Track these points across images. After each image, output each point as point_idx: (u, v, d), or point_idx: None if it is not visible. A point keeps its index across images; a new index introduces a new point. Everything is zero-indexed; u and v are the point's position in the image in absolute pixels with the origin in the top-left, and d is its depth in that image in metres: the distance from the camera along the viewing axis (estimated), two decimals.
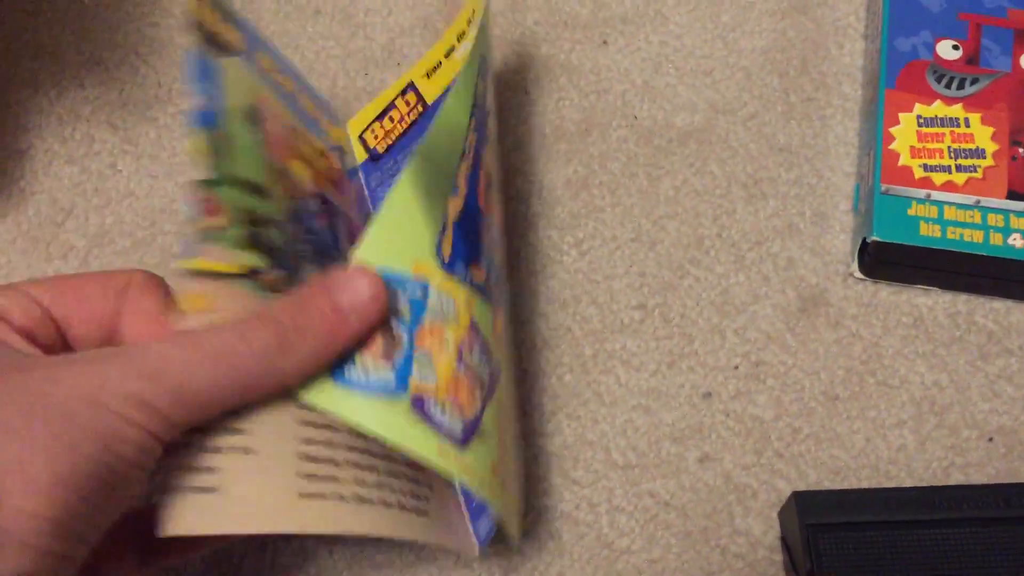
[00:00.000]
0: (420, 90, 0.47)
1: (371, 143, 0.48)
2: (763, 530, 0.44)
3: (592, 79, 0.54)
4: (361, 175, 0.47)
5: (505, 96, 0.53)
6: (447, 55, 0.46)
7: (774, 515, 0.44)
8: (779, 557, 0.43)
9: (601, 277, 0.49)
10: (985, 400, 0.46)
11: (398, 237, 0.35)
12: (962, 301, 0.48)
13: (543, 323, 0.48)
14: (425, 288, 0.35)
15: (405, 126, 0.47)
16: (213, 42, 0.39)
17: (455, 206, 0.38)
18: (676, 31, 0.55)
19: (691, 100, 0.53)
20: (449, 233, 0.37)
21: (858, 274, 0.48)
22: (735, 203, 0.51)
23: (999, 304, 0.47)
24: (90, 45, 0.55)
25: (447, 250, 0.36)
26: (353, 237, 0.42)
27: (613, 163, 0.52)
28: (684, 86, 0.53)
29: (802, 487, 0.44)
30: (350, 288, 0.32)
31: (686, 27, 0.55)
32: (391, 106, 0.47)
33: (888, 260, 0.46)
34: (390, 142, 0.47)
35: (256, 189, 0.37)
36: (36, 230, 0.51)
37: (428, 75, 0.47)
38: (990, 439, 0.45)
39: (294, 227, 0.38)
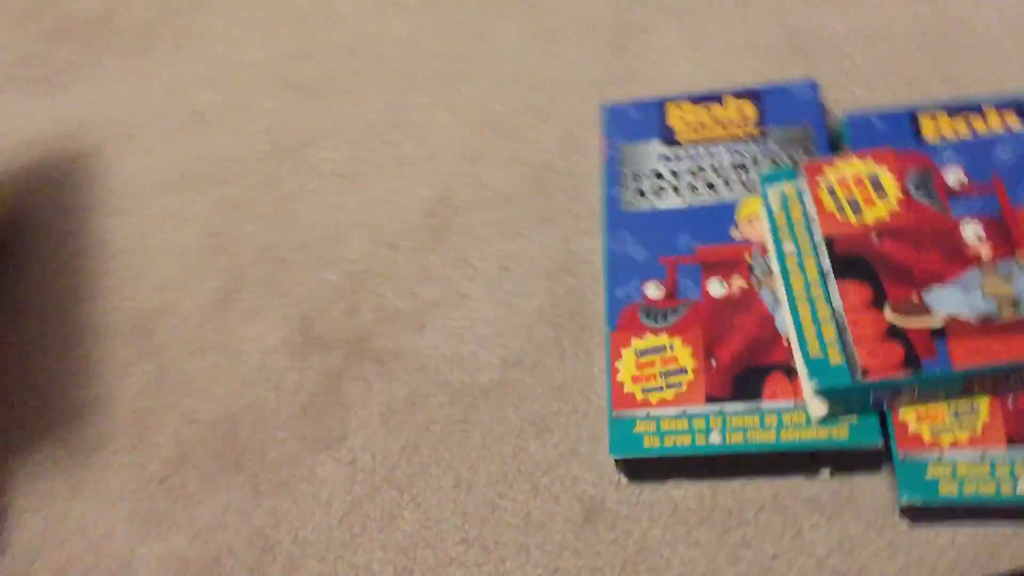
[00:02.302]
0: None
1: None
2: None
3: (414, 360, 0.68)
4: None
5: (352, 391, 0.68)
6: None
7: None
8: None
9: (432, 522, 0.62)
10: (730, 565, 0.57)
11: None
12: (706, 486, 0.59)
13: (389, 570, 0.61)
14: None
15: None
16: None
17: None
18: (475, 305, 0.69)
19: (489, 360, 0.67)
20: None
21: (624, 481, 0.60)
22: (528, 440, 0.64)
23: (736, 484, 0.59)
24: None
25: None
26: None
27: (435, 425, 0.66)
28: (484, 350, 0.68)
29: None
30: None
31: (481, 300, 0.70)
32: None
33: (638, 468, 0.59)
34: None
35: None
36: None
37: None
38: None
39: None
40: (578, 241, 0.70)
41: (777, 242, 0.60)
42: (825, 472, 0.57)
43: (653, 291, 0.62)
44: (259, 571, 0.63)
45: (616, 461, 0.59)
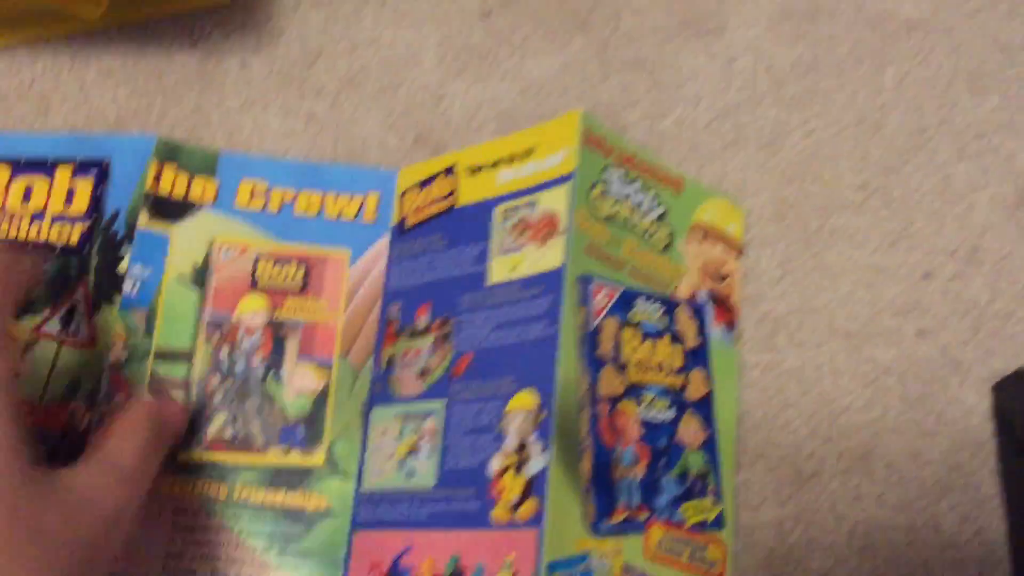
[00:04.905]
0: (456, 183, 0.47)
1: (406, 209, 0.48)
2: (976, 401, 0.47)
3: None
4: (389, 238, 0.48)
5: None
6: (498, 164, 0.45)
7: (987, 389, 0.47)
8: (990, 426, 0.47)
9: (825, 157, 0.52)
10: None
11: (564, 530, 0.38)
12: None
13: (767, 197, 0.51)
14: (586, 561, 0.38)
15: (431, 214, 0.47)
16: (165, 208, 0.44)
17: (587, 464, 0.40)
18: None
19: None
20: (591, 496, 0.39)
21: None
22: (958, 95, 0.53)
23: None
24: None
25: (591, 515, 0.39)
26: (309, 344, 0.45)
27: (840, 47, 0.54)
28: None
29: (1015, 365, 0.48)
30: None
31: None
32: (432, 179, 0.48)
33: None
34: (419, 219, 0.47)
35: (175, 356, 0.44)
36: (288, 69, 0.53)
37: (473, 172, 0.46)
38: None
39: (210, 379, 0.44)
40: None
41: None
42: None
43: None
44: None
45: None
